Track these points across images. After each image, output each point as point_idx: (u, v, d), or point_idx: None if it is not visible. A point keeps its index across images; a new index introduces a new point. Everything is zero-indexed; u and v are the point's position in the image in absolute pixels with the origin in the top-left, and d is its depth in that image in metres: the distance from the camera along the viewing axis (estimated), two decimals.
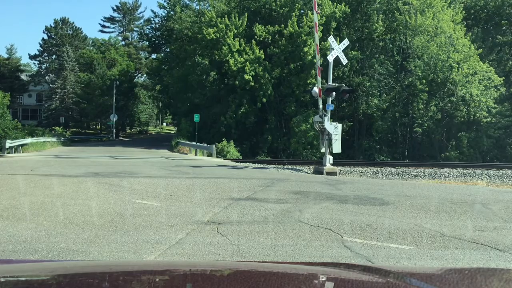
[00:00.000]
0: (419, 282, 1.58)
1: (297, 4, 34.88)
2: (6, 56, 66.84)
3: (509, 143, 31.70)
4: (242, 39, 33.90)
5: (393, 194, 10.39)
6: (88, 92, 56.57)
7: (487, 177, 19.17)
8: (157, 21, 51.74)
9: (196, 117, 31.35)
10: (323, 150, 17.50)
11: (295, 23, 33.08)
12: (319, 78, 17.56)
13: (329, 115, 17.07)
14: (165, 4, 47.66)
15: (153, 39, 52.97)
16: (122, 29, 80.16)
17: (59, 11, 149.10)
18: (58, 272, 1.66)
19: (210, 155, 25.94)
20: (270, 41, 34.13)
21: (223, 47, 33.36)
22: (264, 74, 32.96)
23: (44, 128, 49.03)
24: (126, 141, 51.69)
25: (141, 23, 76.95)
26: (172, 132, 64.47)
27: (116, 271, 1.71)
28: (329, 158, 17.23)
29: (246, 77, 32.11)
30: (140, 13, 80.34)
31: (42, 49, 63.46)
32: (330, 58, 17.04)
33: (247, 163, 21.24)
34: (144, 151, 31.09)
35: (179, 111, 42.80)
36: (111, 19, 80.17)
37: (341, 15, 33.37)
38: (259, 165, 20.56)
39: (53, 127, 50.18)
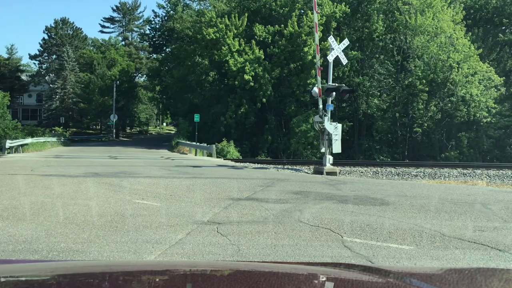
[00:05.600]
0: (419, 282, 1.58)
1: (297, 4, 34.89)
2: (6, 56, 66.91)
3: (509, 143, 31.70)
4: (242, 39, 33.91)
5: (393, 194, 10.39)
6: (88, 92, 56.57)
7: (487, 177, 19.17)
8: (157, 21, 51.86)
9: (196, 117, 31.35)
10: (323, 150, 17.50)
11: (295, 23, 33.08)
12: (319, 78, 17.56)
13: (329, 115, 17.06)
14: (165, 4, 47.79)
15: (153, 39, 53.02)
16: (122, 29, 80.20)
17: (59, 11, 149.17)
18: (58, 272, 1.66)
19: (210, 155, 25.94)
20: (270, 41, 34.13)
21: (223, 47, 33.37)
22: (264, 74, 32.96)
23: (44, 128, 49.07)
24: (126, 141, 51.70)
25: (141, 23, 77.14)
26: (172, 132, 64.48)
27: (116, 271, 1.71)
28: (329, 158, 17.23)
29: (246, 77, 32.11)
30: (140, 13, 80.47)
31: (42, 49, 63.56)
32: (330, 58, 17.03)
33: (247, 163, 21.24)
34: (144, 151, 31.10)
35: (179, 111, 42.82)
36: (111, 19, 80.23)
37: (341, 15, 33.38)
38: (259, 165, 20.56)
39: (53, 127, 50.22)
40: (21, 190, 10.18)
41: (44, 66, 64.55)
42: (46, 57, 64.06)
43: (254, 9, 36.59)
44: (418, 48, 32.60)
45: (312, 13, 21.09)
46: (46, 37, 62.97)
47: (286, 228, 6.60)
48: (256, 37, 33.82)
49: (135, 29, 78.80)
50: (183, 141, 32.59)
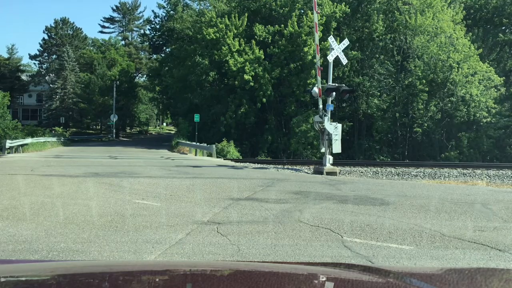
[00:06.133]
0: (419, 282, 1.58)
1: (297, 4, 34.89)
2: (6, 56, 66.93)
3: (509, 143, 31.70)
4: (242, 39, 33.90)
5: (393, 194, 10.39)
6: (88, 92, 56.58)
7: (487, 177, 19.17)
8: (157, 21, 51.84)
9: (196, 117, 31.36)
10: (323, 150, 17.49)
11: (295, 23, 33.08)
12: (319, 78, 17.56)
13: (329, 115, 17.06)
14: (165, 4, 47.78)
15: (153, 39, 53.00)
16: (122, 29, 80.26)
17: (59, 11, 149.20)
18: (58, 272, 1.66)
19: (210, 155, 25.94)
20: (270, 41, 34.13)
21: (223, 47, 33.37)
22: (264, 74, 32.95)
23: (44, 128, 49.06)
24: (126, 141, 51.70)
25: (140, 23, 77.19)
26: (172, 132, 64.47)
27: (116, 271, 1.71)
28: (329, 158, 17.22)
29: (246, 77, 32.11)
30: (139, 12, 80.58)
31: (42, 49, 63.55)
32: (330, 58, 17.03)
33: (247, 163, 21.23)
34: (144, 151, 31.09)
35: (179, 111, 42.82)
36: (111, 19, 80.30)
37: (341, 15, 33.38)
38: (259, 165, 20.56)
39: (53, 127, 50.23)
40: (21, 190, 10.18)
41: (44, 66, 64.55)
42: (46, 57, 64.06)
43: (254, 9, 36.59)
44: (418, 48, 32.60)
45: (312, 13, 21.08)
46: (46, 37, 63.01)
47: (286, 228, 6.60)
48: (256, 37, 33.82)
49: (135, 29, 78.87)
50: (183, 141, 32.59)
